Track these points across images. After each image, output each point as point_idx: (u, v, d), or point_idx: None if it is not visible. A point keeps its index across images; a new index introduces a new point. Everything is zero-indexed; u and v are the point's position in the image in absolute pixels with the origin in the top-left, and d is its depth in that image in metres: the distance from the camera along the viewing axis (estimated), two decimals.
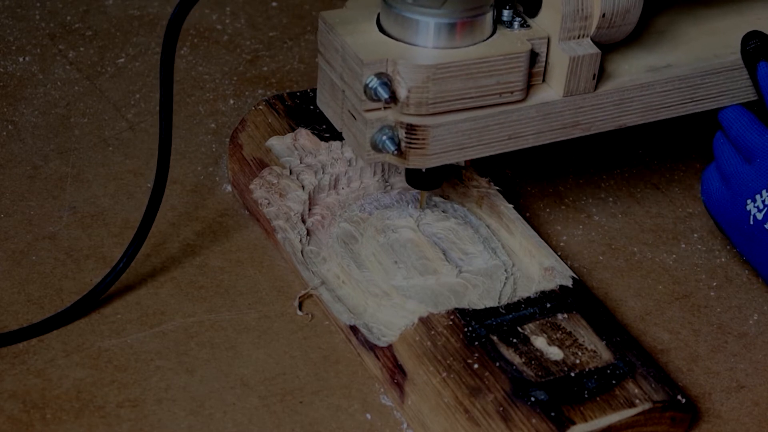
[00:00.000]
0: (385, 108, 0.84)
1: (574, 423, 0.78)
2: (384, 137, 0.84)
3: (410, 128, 0.84)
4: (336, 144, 1.00)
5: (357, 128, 0.85)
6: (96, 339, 0.88)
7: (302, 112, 1.05)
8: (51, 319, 0.88)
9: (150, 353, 0.87)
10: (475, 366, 0.81)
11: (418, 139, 0.85)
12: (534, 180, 1.07)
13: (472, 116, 0.86)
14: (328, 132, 1.02)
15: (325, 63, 0.88)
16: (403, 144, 0.85)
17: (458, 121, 0.85)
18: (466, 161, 0.97)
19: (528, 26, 0.88)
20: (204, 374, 0.86)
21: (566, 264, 0.93)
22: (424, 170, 0.91)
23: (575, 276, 0.90)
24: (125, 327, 0.89)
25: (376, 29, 0.86)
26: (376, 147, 0.85)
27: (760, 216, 0.89)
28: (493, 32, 0.87)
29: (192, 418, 0.82)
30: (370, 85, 0.83)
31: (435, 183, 0.94)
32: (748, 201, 0.90)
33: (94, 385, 0.84)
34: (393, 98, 0.83)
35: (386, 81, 0.83)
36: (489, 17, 0.86)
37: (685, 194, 1.07)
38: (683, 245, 1.01)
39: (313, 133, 1.02)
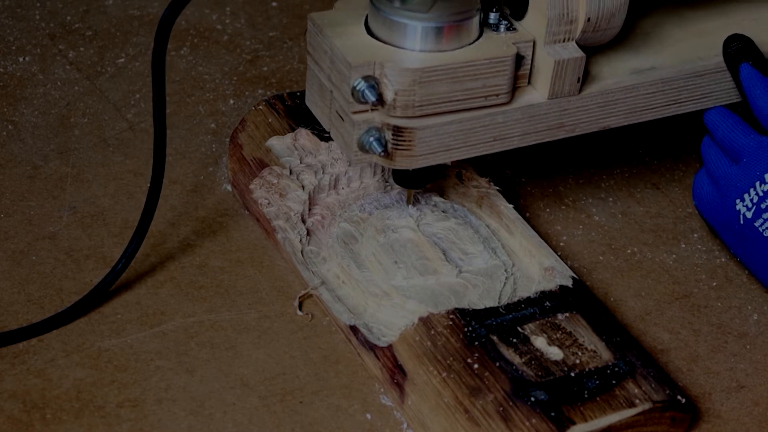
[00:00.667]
0: (372, 110, 0.85)
1: (574, 423, 0.78)
2: (371, 138, 0.85)
3: (397, 130, 0.85)
4: (336, 144, 1.00)
5: (344, 129, 0.86)
6: (96, 339, 0.88)
7: (302, 112, 1.05)
8: (51, 319, 0.88)
9: (150, 353, 0.87)
10: (475, 366, 0.81)
11: (404, 140, 0.85)
12: (534, 180, 1.07)
13: (458, 119, 0.86)
14: (327, 132, 1.01)
15: (314, 64, 0.88)
16: (389, 145, 0.85)
17: (444, 124, 0.86)
18: (452, 161, 0.98)
19: (514, 29, 0.88)
20: (204, 374, 0.86)
21: (566, 264, 0.93)
22: (410, 170, 0.91)
23: (575, 276, 0.90)
24: (125, 327, 0.89)
25: (365, 31, 0.86)
26: (363, 148, 0.85)
27: (749, 215, 0.89)
28: (480, 35, 0.87)
29: (192, 418, 0.82)
30: (357, 88, 0.83)
31: (421, 182, 0.94)
32: (737, 201, 0.90)
33: (94, 385, 0.84)
34: (380, 100, 0.84)
35: (373, 84, 0.83)
36: (475, 21, 0.86)
37: (685, 194, 1.07)
38: (683, 245, 1.01)
39: (313, 133, 1.02)
